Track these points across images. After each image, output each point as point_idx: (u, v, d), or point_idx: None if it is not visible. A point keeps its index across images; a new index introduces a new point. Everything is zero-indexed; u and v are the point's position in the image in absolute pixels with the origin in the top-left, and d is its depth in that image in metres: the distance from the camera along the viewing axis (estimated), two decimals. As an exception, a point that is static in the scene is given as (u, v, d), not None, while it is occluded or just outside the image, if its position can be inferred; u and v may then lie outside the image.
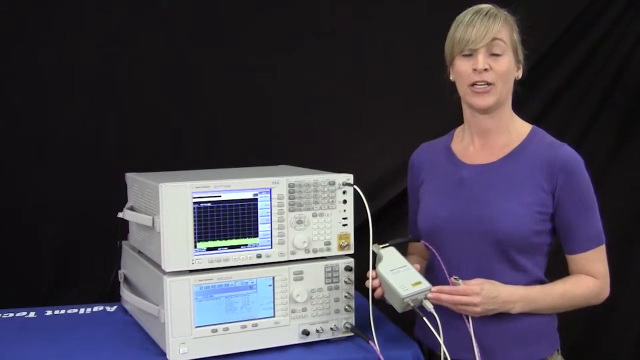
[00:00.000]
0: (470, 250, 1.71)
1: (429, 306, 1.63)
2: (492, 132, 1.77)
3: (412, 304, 1.62)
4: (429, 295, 1.63)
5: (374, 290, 1.68)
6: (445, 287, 1.63)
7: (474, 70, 1.68)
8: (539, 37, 2.60)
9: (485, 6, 1.72)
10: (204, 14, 2.51)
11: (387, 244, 1.73)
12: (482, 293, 1.62)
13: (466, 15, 1.72)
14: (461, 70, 1.71)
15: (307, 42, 2.59)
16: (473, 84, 1.70)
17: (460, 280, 1.64)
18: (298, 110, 2.59)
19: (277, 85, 2.58)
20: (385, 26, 2.62)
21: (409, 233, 1.97)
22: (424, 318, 1.62)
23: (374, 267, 1.69)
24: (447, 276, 1.68)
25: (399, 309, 1.64)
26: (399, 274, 1.66)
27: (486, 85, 1.69)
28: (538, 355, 1.74)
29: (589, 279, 1.72)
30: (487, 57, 1.68)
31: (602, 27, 2.68)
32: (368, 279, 1.69)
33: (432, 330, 1.61)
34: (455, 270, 1.71)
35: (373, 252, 1.70)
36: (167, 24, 2.49)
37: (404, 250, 1.99)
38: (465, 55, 1.70)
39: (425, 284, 1.65)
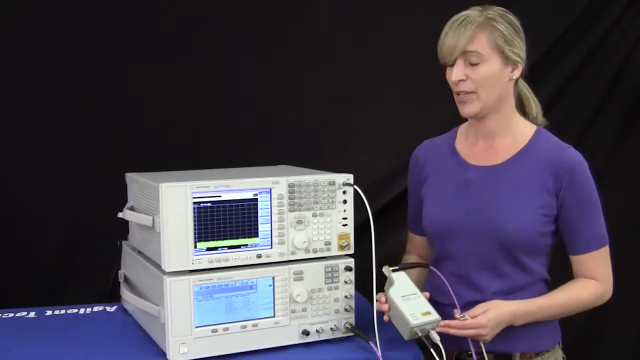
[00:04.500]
0: (476, 251, 1.72)
1: (436, 337, 1.64)
2: (496, 134, 1.77)
3: (419, 334, 1.63)
4: (437, 329, 1.64)
5: (382, 313, 1.69)
6: (453, 322, 1.64)
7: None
8: (539, 37, 2.60)
9: (463, 14, 1.70)
10: (202, 14, 2.51)
11: (398, 267, 1.73)
12: (489, 324, 1.63)
13: (446, 25, 1.71)
14: (447, 79, 1.73)
15: (307, 42, 2.59)
16: (457, 93, 1.71)
17: (467, 315, 1.65)
18: (298, 110, 2.59)
19: (277, 85, 2.58)
20: (386, 26, 2.62)
21: (408, 229, 1.99)
22: (432, 350, 1.63)
23: (382, 290, 1.69)
24: (455, 299, 1.71)
25: (406, 336, 1.65)
26: (409, 302, 1.66)
27: (467, 95, 1.69)
28: (539, 346, 1.76)
29: (590, 283, 1.73)
30: (464, 66, 1.68)
31: (602, 27, 2.68)
32: (377, 300, 1.69)
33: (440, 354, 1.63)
34: (462, 269, 1.74)
35: (383, 273, 1.70)
36: (166, 24, 2.49)
37: (402, 239, 2.00)
38: (449, 66, 1.72)
39: (435, 316, 1.65)
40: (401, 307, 1.64)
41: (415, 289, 1.70)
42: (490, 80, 1.68)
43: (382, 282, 1.72)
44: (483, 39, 1.66)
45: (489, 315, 1.64)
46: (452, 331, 1.64)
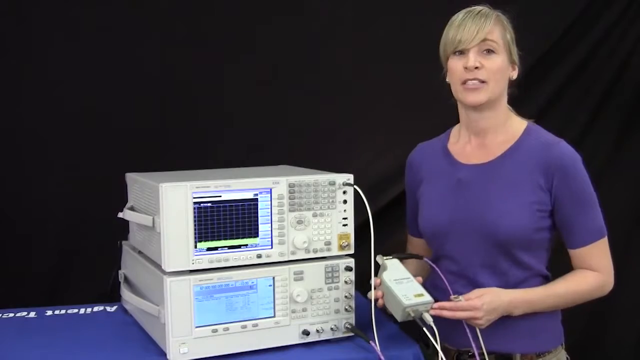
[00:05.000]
0: (473, 249, 1.73)
1: (429, 319, 1.63)
2: (489, 132, 1.78)
3: (412, 315, 1.63)
4: (431, 312, 1.64)
5: (376, 299, 1.69)
6: (447, 304, 1.65)
7: (466, 68, 1.69)
8: (539, 37, 2.61)
9: (478, 7, 1.74)
10: (203, 14, 2.51)
11: (391, 257, 1.74)
12: (483, 307, 1.64)
13: (458, 15, 1.74)
14: (454, 68, 1.73)
15: (306, 43, 2.59)
16: (465, 82, 1.71)
17: (461, 297, 1.66)
18: (298, 110, 2.59)
19: (277, 85, 2.58)
20: (386, 26, 2.62)
21: (407, 232, 1.99)
22: (425, 329, 1.63)
23: (376, 276, 1.70)
24: (450, 291, 1.71)
25: (399, 318, 1.65)
26: (402, 284, 1.67)
27: (478, 82, 1.70)
28: (540, 347, 1.76)
29: (590, 274, 1.73)
30: (478, 55, 1.70)
31: (602, 27, 2.68)
32: (370, 287, 1.69)
33: (434, 336, 1.62)
34: (460, 268, 1.74)
35: (377, 262, 1.71)
36: (167, 25, 2.49)
37: (403, 240, 2.00)
38: (458, 54, 1.72)
39: (427, 297, 1.66)
40: (394, 289, 1.65)
41: (408, 274, 1.70)
42: (500, 72, 1.71)
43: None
44: (498, 32, 1.71)
45: (484, 299, 1.64)
46: (446, 313, 1.63)
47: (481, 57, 1.70)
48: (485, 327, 1.68)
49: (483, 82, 1.70)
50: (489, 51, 1.70)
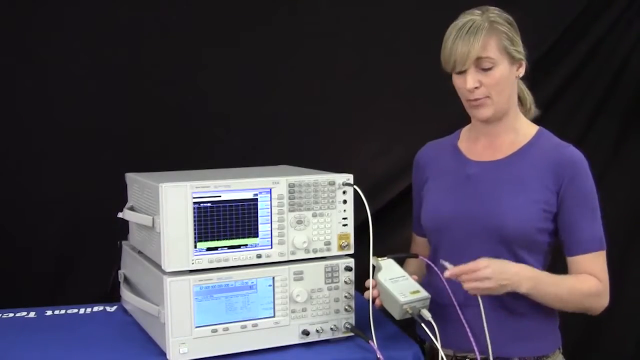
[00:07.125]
0: (473, 246, 1.72)
1: (427, 315, 1.64)
2: (499, 133, 1.78)
3: (410, 312, 1.64)
4: (446, 273, 1.62)
5: (373, 299, 1.69)
6: (455, 269, 1.61)
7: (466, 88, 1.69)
8: (539, 37, 2.61)
9: (468, 19, 1.68)
10: (205, 14, 2.51)
11: (386, 257, 1.74)
12: (491, 265, 1.60)
13: (450, 33, 1.69)
14: (457, 86, 1.74)
15: (307, 42, 2.60)
16: (468, 100, 1.72)
17: (447, 263, 1.64)
18: (298, 110, 2.59)
19: (277, 85, 2.58)
20: (386, 26, 2.62)
21: (413, 231, 1.98)
22: (423, 324, 1.63)
23: (372, 277, 1.70)
24: (448, 289, 1.70)
25: (397, 316, 1.66)
26: (397, 283, 1.67)
27: (480, 99, 1.70)
28: (538, 351, 1.75)
29: (591, 278, 1.72)
30: (476, 73, 1.68)
31: (602, 27, 2.68)
32: (367, 288, 1.69)
33: (434, 332, 1.61)
34: (460, 263, 1.72)
35: (372, 264, 1.71)
36: (169, 25, 2.49)
37: (402, 239, 2.00)
38: (457, 73, 1.71)
39: (424, 293, 1.66)
40: (390, 288, 1.65)
41: (404, 273, 1.71)
42: (502, 83, 1.69)
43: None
44: (492, 44, 1.67)
45: (491, 261, 1.61)
46: (449, 273, 1.61)
47: (479, 75, 1.67)
48: (482, 331, 1.66)
49: (486, 97, 1.69)
50: (485, 68, 1.67)
